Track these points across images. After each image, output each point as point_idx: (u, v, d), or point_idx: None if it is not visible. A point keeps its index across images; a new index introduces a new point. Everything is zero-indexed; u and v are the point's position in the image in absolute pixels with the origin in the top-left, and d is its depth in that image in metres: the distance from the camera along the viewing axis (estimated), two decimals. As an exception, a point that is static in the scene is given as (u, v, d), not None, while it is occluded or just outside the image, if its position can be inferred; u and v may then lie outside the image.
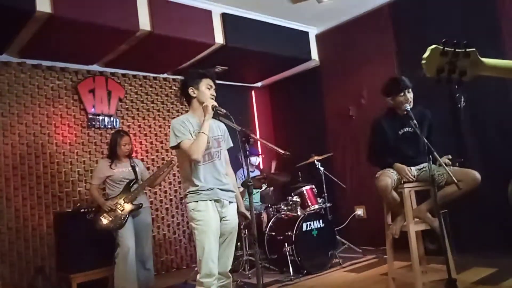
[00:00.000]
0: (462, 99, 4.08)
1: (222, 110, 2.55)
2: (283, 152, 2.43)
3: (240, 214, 2.71)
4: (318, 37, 6.11)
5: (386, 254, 3.47)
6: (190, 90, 2.63)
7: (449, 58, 1.35)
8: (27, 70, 4.71)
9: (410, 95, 3.27)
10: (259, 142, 6.66)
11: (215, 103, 2.57)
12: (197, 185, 2.52)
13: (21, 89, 4.65)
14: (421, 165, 3.27)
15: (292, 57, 5.87)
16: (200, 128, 2.51)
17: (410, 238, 3.11)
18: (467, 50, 1.36)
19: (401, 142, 3.32)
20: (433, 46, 1.36)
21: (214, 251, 2.45)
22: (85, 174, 4.89)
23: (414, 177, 3.21)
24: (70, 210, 4.68)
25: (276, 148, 2.47)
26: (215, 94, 2.64)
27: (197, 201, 2.50)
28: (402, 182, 3.21)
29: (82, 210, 4.45)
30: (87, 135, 5.04)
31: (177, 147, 2.54)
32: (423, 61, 1.36)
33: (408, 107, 3.22)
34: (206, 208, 2.48)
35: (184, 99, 2.73)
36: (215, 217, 2.50)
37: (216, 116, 2.63)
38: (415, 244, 3.13)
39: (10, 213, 4.38)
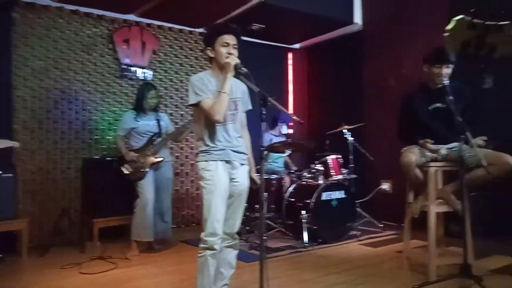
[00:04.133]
0: (488, 80, 3.75)
1: (243, 69, 2.42)
2: (298, 119, 2.32)
3: (250, 179, 2.65)
4: (364, -1, 5.76)
5: (405, 232, 3.37)
6: (208, 51, 2.51)
7: (477, 31, 1.16)
8: (65, 16, 4.75)
9: (447, 71, 3.04)
10: (290, 107, 6.53)
11: (238, 61, 2.44)
12: (208, 145, 2.47)
13: (59, 34, 4.71)
14: (452, 144, 3.08)
15: (334, 19, 5.61)
16: (221, 88, 2.42)
17: (429, 218, 2.98)
18: (500, 23, 1.16)
19: (432, 118, 3.13)
20: (460, 16, 1.18)
21: (220, 211, 2.42)
22: (115, 124, 4.97)
23: (437, 152, 3.01)
24: (97, 157, 4.82)
25: (292, 115, 2.35)
26: (232, 52, 2.44)
27: (207, 161, 2.45)
28: (428, 160, 3.04)
29: (109, 158, 4.58)
30: (119, 85, 5.10)
31: (196, 105, 2.47)
32: (446, 34, 1.19)
33: (446, 81, 2.99)
34: (216, 168, 2.44)
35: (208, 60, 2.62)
36: (225, 178, 2.46)
37: (236, 74, 2.50)
38: (433, 226, 3.01)
39: (42, 155, 4.57)
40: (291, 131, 5.52)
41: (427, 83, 3.20)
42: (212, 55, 2.51)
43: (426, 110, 3.15)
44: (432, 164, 3.02)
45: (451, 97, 2.89)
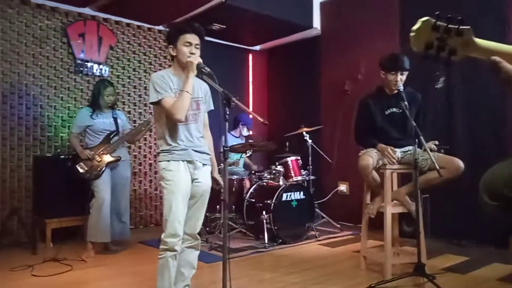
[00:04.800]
0: (440, 80, 3.95)
1: (206, 68, 2.41)
2: (262, 120, 2.33)
3: (213, 179, 2.64)
4: (323, 5, 5.89)
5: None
6: (170, 49, 2.47)
7: (440, 33, 1.23)
8: (15, 6, 4.51)
9: (401, 77, 3.17)
10: (250, 108, 6.55)
11: (200, 60, 2.42)
12: (170, 144, 2.43)
13: (8, 25, 4.47)
14: (406, 148, 3.21)
15: (294, 23, 5.67)
16: (183, 86, 2.39)
17: (386, 219, 3.08)
18: (461, 27, 1.24)
19: (387, 122, 3.26)
20: (425, 18, 1.24)
21: (181, 212, 2.39)
22: (69, 121, 4.79)
23: (396, 158, 3.14)
24: (50, 155, 4.62)
25: (256, 115, 2.36)
26: (194, 52, 2.42)
27: (168, 161, 2.41)
28: (385, 163, 3.15)
29: (62, 157, 4.40)
30: (73, 81, 4.91)
31: (157, 103, 2.42)
32: (412, 34, 1.25)
33: (401, 87, 3.12)
34: (178, 168, 2.40)
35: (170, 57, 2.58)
36: (186, 178, 2.43)
37: (199, 74, 2.48)
38: (390, 226, 3.11)
39: (-11, 152, 4.31)
40: (251, 133, 5.55)
41: (383, 88, 3.32)
42: (174, 54, 2.48)
43: (382, 115, 3.27)
44: (388, 167, 3.13)
45: (405, 103, 3.01)
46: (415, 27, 1.24)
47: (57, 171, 4.27)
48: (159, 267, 2.38)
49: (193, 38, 2.43)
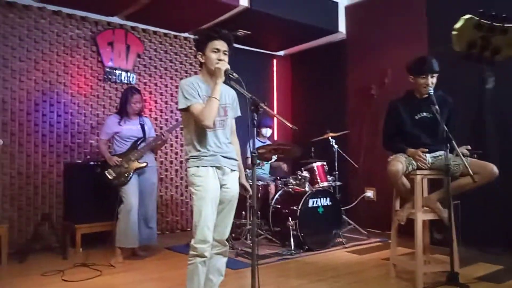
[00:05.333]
0: (490, 81, 3.81)
1: (234, 74, 2.41)
2: (291, 126, 2.31)
3: (241, 185, 2.63)
4: (348, 9, 5.84)
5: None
6: (199, 56, 2.49)
7: (483, 32, 1.18)
8: (47, 16, 4.64)
9: (432, 80, 3.10)
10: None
11: (228, 66, 2.43)
12: (199, 150, 2.44)
13: (40, 35, 4.60)
14: (437, 153, 3.13)
15: (319, 28, 5.65)
16: (211, 93, 2.40)
17: (416, 226, 3.01)
18: (506, 25, 1.18)
19: (417, 127, 3.18)
20: (468, 16, 1.19)
21: (211, 218, 2.39)
22: (98, 127, 4.88)
23: (428, 163, 3.06)
24: (80, 161, 4.71)
25: (284, 121, 2.34)
26: (222, 58, 2.43)
27: (198, 166, 2.42)
28: (415, 168, 3.08)
29: (92, 163, 4.48)
30: (102, 88, 5.01)
31: (186, 110, 2.44)
32: (454, 32, 1.20)
33: (431, 90, 3.05)
34: (207, 174, 2.41)
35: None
36: (215, 184, 2.43)
37: (227, 80, 2.49)
38: (421, 233, 3.04)
39: (22, 159, 4.43)
40: (271, 131, 5.50)
41: (413, 92, 3.25)
42: (202, 61, 2.49)
43: (412, 119, 3.20)
44: (419, 172, 3.06)
45: (436, 107, 2.94)
46: (457, 26, 1.19)
47: (86, 177, 4.36)
48: (188, 273, 2.38)
49: (221, 45, 2.44)
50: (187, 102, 2.40)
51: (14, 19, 4.42)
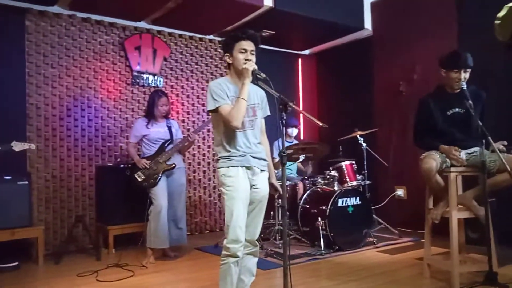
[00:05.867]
0: None
1: (261, 74, 2.41)
2: (321, 124, 2.29)
3: (270, 185, 2.62)
4: (374, 5, 5.75)
5: (424, 238, 3.33)
6: (226, 57, 2.50)
7: None
8: (77, 23, 4.76)
9: (465, 75, 3.01)
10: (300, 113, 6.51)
11: (255, 66, 2.43)
12: (229, 151, 2.45)
13: (71, 42, 4.72)
14: (472, 149, 3.04)
15: (344, 25, 5.58)
16: (239, 93, 2.41)
17: (452, 225, 2.93)
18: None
19: (450, 123, 3.09)
20: None
21: (242, 218, 2.40)
22: (127, 131, 4.97)
23: (463, 160, 2.97)
24: (111, 164, 4.81)
25: (314, 119, 2.33)
26: (250, 59, 2.44)
27: (228, 167, 2.43)
28: (449, 165, 3.00)
29: (122, 166, 4.56)
30: (131, 92, 5.10)
31: (215, 111, 2.45)
32: (497, 22, 1.16)
33: (464, 85, 2.97)
34: (237, 174, 2.42)
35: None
36: (245, 184, 2.43)
37: (254, 80, 2.49)
38: (456, 232, 2.96)
39: (55, 162, 4.56)
40: (296, 130, 5.47)
41: (444, 87, 3.17)
42: (230, 61, 2.50)
43: (444, 115, 3.12)
44: (453, 169, 2.98)
45: (470, 102, 2.86)
46: (501, 14, 1.15)
47: (117, 180, 4.44)
48: (221, 273, 2.39)
49: (248, 45, 2.45)
50: (215, 103, 2.42)
51: (45, 27, 4.56)
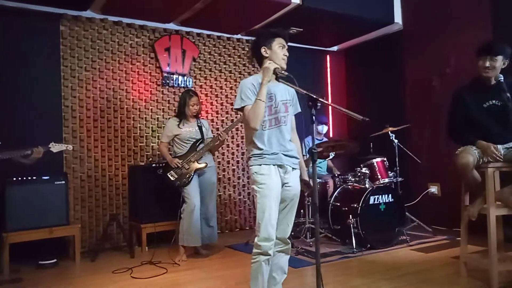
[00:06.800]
0: None
1: (283, 72, 2.42)
2: (361, 117, 2.25)
3: (303, 182, 2.61)
4: (404, -2, 5.64)
5: (460, 236, 3.24)
6: (263, 50, 2.50)
7: None
8: (108, 27, 4.88)
9: (491, 63, 2.88)
10: (329, 110, 6.45)
11: (277, 66, 2.43)
12: (261, 149, 2.45)
13: (103, 45, 4.85)
14: (510, 144, 2.93)
15: (373, 20, 5.49)
16: (257, 94, 2.39)
17: (490, 222, 2.84)
18: None
19: (486, 116, 2.98)
20: None
21: (274, 216, 2.40)
22: (158, 131, 5.07)
23: (501, 156, 2.87)
24: (143, 164, 4.91)
25: (352, 113, 2.29)
26: (287, 55, 2.50)
27: (260, 165, 2.43)
28: (486, 161, 2.91)
29: (154, 165, 4.65)
30: (161, 93, 5.19)
31: (240, 109, 2.48)
32: None
33: (501, 77, 2.87)
34: (269, 172, 2.42)
35: (256, 60, 2.62)
36: (277, 182, 2.43)
37: (277, 79, 2.49)
38: (494, 229, 2.86)
39: (90, 162, 4.70)
40: (326, 128, 5.43)
41: (480, 79, 3.06)
42: (266, 55, 2.50)
43: (480, 108, 3.01)
44: (490, 165, 2.88)
45: (508, 94, 2.76)
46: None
47: (149, 179, 4.53)
48: (252, 271, 2.40)
49: (285, 42, 2.51)
50: (242, 103, 2.44)
51: (79, 31, 4.70)
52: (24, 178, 3.95)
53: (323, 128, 5.28)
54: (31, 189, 3.96)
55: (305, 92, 2.28)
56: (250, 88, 2.45)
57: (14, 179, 3.90)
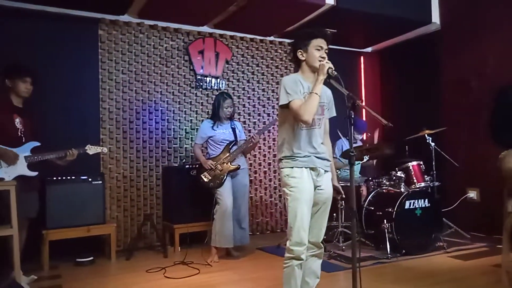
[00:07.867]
0: None
1: (334, 72, 2.38)
2: (385, 122, 2.21)
3: (333, 187, 2.56)
4: (443, -3, 5.48)
5: (500, 244, 3.11)
6: (299, 53, 2.47)
7: None
8: (145, 30, 4.99)
9: None
10: (363, 113, 6.35)
11: (331, 65, 2.39)
12: (293, 151, 2.43)
13: (139, 48, 4.96)
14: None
15: (410, 20, 5.36)
16: (313, 88, 2.37)
17: (534, 231, 2.71)
18: None
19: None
20: None
21: (306, 220, 2.37)
22: (191, 133, 5.14)
23: None
24: (176, 165, 4.98)
25: (378, 117, 2.26)
26: (325, 57, 2.43)
27: (292, 167, 2.41)
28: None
29: (188, 166, 4.71)
30: (194, 95, 5.25)
31: (286, 105, 2.41)
32: None
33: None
34: (301, 175, 2.39)
35: (294, 64, 2.60)
36: (310, 185, 2.40)
37: (328, 78, 2.44)
38: (539, 238, 2.73)
39: (126, 163, 4.80)
40: (363, 136, 5.36)
41: None
42: (303, 58, 2.48)
43: None
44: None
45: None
46: None
47: (183, 180, 4.59)
48: (285, 275, 2.38)
49: (323, 43, 2.44)
50: (289, 97, 2.38)
51: (116, 35, 4.83)
52: (64, 178, 4.08)
53: (360, 136, 5.23)
54: (70, 188, 4.09)
55: (347, 93, 2.29)
56: (295, 83, 2.42)
57: (54, 178, 4.04)
